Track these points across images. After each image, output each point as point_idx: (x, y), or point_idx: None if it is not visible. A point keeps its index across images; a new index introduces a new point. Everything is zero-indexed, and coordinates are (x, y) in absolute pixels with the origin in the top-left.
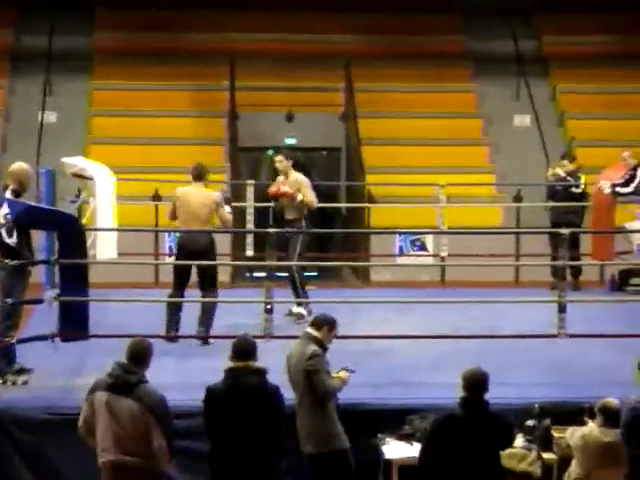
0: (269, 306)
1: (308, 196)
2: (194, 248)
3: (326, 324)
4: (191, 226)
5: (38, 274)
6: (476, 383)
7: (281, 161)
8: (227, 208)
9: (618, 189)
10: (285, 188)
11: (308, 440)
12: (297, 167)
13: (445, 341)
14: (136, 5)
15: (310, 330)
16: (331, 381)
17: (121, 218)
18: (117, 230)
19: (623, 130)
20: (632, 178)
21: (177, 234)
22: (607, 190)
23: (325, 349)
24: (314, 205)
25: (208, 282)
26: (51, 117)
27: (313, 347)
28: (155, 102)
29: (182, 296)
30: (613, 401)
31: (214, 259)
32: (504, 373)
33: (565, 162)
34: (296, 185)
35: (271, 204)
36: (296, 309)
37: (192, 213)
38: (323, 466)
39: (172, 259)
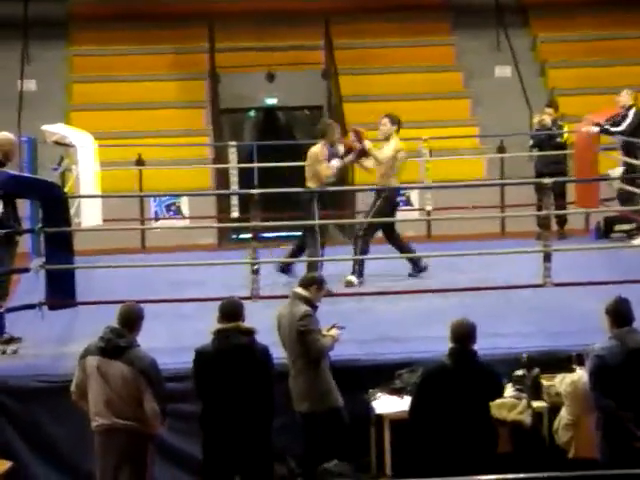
0: (256, 267)
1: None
2: None
3: (314, 283)
4: None
5: (24, 243)
6: (464, 334)
7: (385, 124)
8: (334, 162)
9: (608, 127)
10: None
11: (302, 399)
12: (278, 127)
13: (433, 295)
14: None
15: (298, 290)
16: (323, 340)
17: (105, 184)
18: (101, 197)
19: (604, 77)
20: (624, 118)
21: None
22: (594, 130)
23: (315, 308)
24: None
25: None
26: (31, 85)
27: (303, 307)
28: (135, 66)
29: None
30: None
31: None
32: (492, 324)
33: (550, 110)
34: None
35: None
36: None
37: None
38: (317, 424)
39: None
